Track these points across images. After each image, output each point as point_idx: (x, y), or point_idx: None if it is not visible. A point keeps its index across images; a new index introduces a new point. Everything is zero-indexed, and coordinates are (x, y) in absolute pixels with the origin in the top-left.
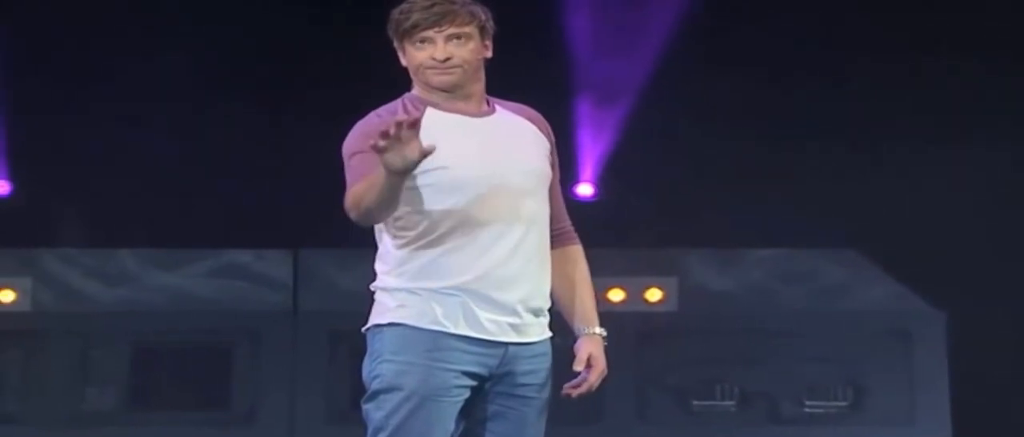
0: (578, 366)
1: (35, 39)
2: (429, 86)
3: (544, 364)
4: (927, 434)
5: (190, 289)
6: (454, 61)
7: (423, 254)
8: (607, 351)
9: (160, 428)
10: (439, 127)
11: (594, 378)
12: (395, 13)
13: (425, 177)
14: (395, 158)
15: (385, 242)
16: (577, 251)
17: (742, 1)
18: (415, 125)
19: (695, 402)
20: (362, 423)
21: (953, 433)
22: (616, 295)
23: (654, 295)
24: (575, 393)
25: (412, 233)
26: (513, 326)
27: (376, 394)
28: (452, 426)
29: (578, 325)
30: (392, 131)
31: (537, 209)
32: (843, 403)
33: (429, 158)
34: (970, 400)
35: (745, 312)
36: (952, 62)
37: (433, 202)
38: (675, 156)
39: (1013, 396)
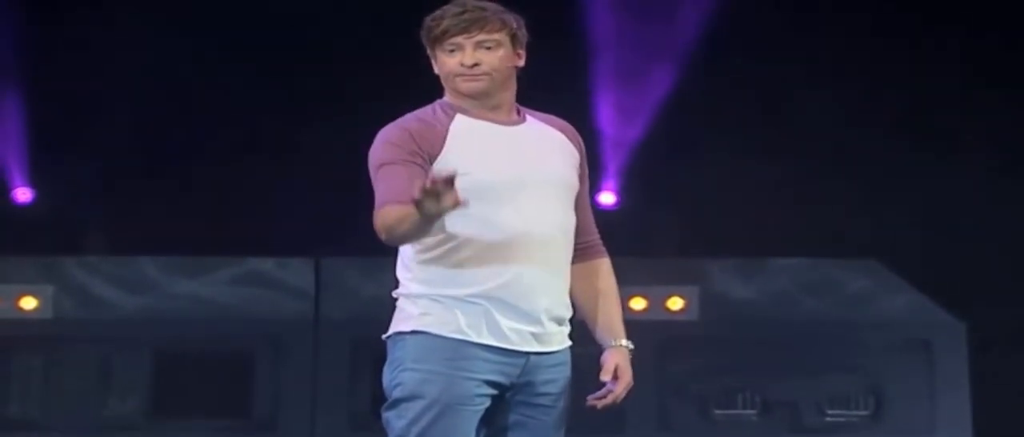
0: (605, 376)
1: (59, 46)
2: (458, 92)
3: (563, 373)
4: None
5: (212, 297)
6: (483, 67)
7: (446, 260)
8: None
9: (181, 435)
10: (467, 133)
11: (620, 390)
12: (428, 20)
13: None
14: (431, 207)
15: (406, 248)
16: (605, 264)
17: (764, 13)
18: (451, 182)
19: (717, 411)
20: (383, 432)
21: None
22: (638, 304)
23: (676, 304)
24: (600, 405)
25: (435, 239)
26: (536, 335)
27: (398, 402)
28: (473, 435)
29: (604, 337)
30: (429, 186)
31: (562, 218)
32: (864, 412)
33: (456, 163)
34: (991, 410)
35: (767, 321)
36: (967, 71)
37: (457, 209)
38: (697, 165)
39: None
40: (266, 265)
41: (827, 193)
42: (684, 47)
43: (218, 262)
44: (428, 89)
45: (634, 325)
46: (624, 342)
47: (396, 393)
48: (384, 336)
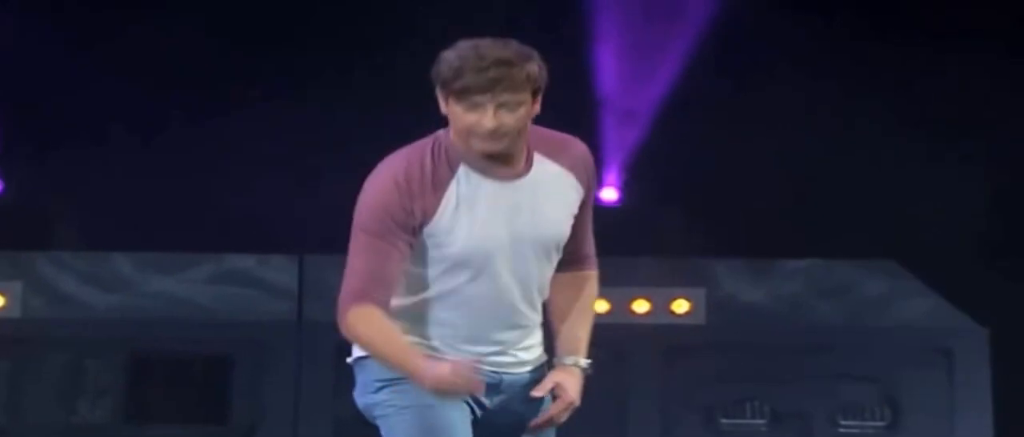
0: (537, 393)
1: (29, 37)
2: (470, 149)
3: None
4: None
5: (189, 296)
6: (502, 130)
7: (412, 311)
8: (629, 368)
9: None
10: (467, 197)
11: (557, 410)
12: (443, 64)
13: (436, 250)
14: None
15: None
16: (588, 276)
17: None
18: (479, 388)
19: (724, 420)
20: None
21: None
22: (641, 306)
23: (681, 306)
24: (533, 425)
25: (405, 289)
26: (508, 363)
27: (385, 417)
28: (469, 431)
29: (561, 352)
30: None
31: (539, 274)
32: (880, 423)
33: (445, 228)
34: (1015, 422)
35: (777, 326)
36: (998, 69)
37: (435, 269)
38: (704, 159)
39: None
40: (247, 262)
41: (842, 190)
42: (690, 39)
43: (196, 259)
44: (419, 83)
45: (636, 329)
46: (580, 362)
47: (377, 412)
48: (348, 360)
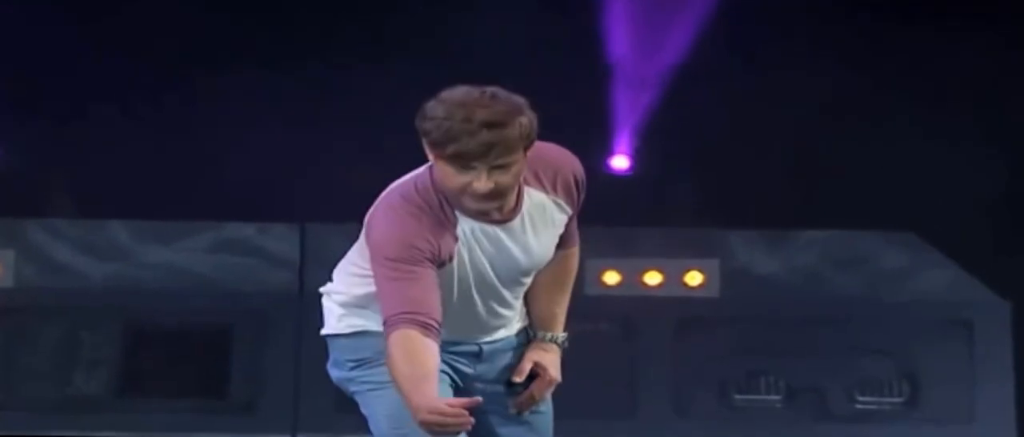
0: (515, 377)
1: (25, 9)
2: (461, 208)
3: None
4: (989, 433)
5: (188, 265)
6: (498, 190)
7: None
8: (640, 342)
9: (153, 416)
10: (470, 241)
11: (537, 389)
12: (429, 122)
13: None
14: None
15: (353, 265)
16: (569, 253)
17: None
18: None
19: (737, 396)
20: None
21: (1018, 432)
22: (653, 278)
23: (694, 279)
24: (513, 408)
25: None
26: (485, 340)
27: (362, 394)
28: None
29: (536, 326)
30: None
31: (526, 285)
32: (898, 399)
33: (457, 275)
34: None
35: (793, 298)
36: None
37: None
38: (718, 127)
39: None
40: (247, 231)
41: (861, 159)
42: (706, 4)
43: (195, 227)
44: (417, 48)
45: (649, 301)
46: (558, 337)
47: (353, 389)
48: (322, 333)
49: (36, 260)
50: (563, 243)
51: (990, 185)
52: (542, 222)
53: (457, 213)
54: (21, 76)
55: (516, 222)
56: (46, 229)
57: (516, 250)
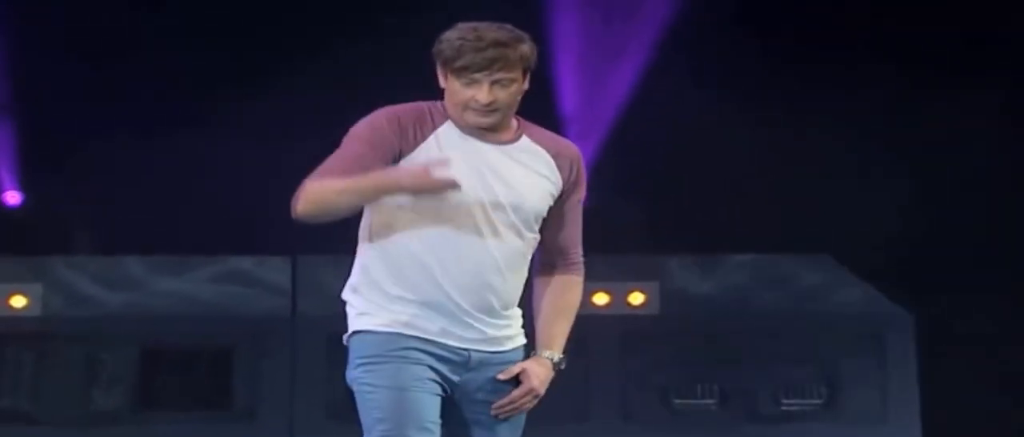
0: (501, 376)
1: (44, 50)
2: (464, 121)
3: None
4: (898, 431)
5: (194, 294)
6: (496, 104)
7: (386, 258)
8: (591, 355)
9: (165, 427)
10: (447, 141)
11: (518, 394)
12: (444, 43)
13: (404, 196)
14: (416, 190)
15: (350, 281)
16: (571, 281)
17: (726, 9)
18: (452, 186)
19: (677, 400)
20: (359, 422)
21: (923, 430)
22: (600, 299)
23: (637, 298)
24: (494, 410)
25: (380, 242)
26: (475, 339)
27: (361, 394)
28: (437, 417)
29: (538, 346)
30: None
31: (509, 247)
32: (818, 401)
33: (421, 164)
34: (939, 399)
35: (724, 314)
36: (926, 81)
37: (405, 216)
38: (657, 164)
39: (978, 394)
40: (245, 264)
41: (782, 189)
42: (647, 46)
43: (200, 261)
44: (415, 81)
45: (596, 319)
46: (554, 356)
47: (355, 388)
48: (344, 337)
49: (61, 292)
50: (567, 264)
51: (895, 211)
52: (531, 165)
53: (447, 123)
54: (47, 133)
55: (505, 149)
56: (70, 265)
57: (501, 176)
